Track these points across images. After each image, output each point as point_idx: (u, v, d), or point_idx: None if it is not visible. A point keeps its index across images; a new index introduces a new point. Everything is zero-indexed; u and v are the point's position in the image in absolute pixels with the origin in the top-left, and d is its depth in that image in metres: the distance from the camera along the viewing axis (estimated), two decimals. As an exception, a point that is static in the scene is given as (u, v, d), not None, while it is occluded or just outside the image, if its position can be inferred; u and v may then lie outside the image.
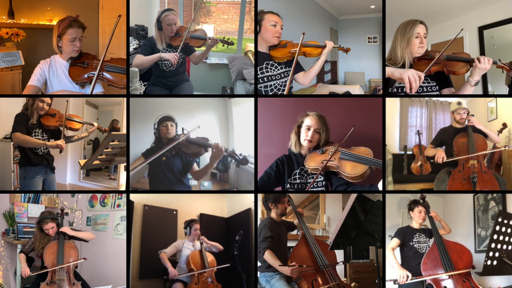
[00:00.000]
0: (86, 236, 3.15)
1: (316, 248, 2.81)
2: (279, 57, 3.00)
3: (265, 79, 2.97)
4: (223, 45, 3.35)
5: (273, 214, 3.01)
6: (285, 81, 3.00)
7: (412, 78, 2.69)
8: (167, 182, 3.05)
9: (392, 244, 3.01)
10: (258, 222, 3.03)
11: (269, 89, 2.98)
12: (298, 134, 2.82)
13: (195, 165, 3.17)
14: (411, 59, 2.88)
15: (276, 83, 2.99)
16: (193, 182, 3.76)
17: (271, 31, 2.92)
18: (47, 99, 3.15)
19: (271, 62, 3.00)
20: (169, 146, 2.95)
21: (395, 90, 2.93)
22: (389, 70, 2.84)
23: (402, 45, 2.82)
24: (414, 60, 2.89)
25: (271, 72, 2.99)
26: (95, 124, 3.42)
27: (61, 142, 3.08)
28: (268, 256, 2.73)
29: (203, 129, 3.08)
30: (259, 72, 2.97)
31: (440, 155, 3.12)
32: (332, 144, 2.78)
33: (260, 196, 3.09)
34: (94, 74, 2.92)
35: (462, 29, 3.20)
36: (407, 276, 2.72)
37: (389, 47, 2.97)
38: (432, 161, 3.31)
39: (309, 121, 2.77)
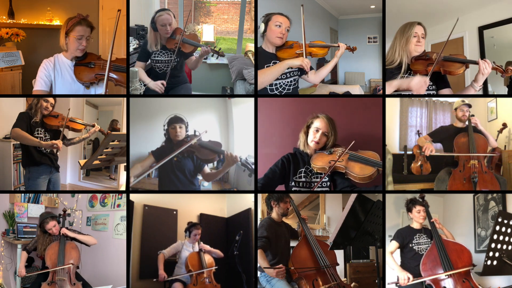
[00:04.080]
0: (88, 240, 3.16)
1: (317, 249, 2.82)
2: (286, 58, 2.96)
3: None
4: (212, 55, 3.25)
5: (274, 214, 3.01)
6: (290, 81, 3.00)
7: (420, 84, 2.82)
8: (178, 184, 3.00)
9: (390, 248, 3.01)
10: (258, 222, 3.03)
11: (274, 87, 2.96)
12: (306, 134, 2.83)
13: (206, 167, 3.13)
14: (408, 59, 2.94)
15: (282, 82, 2.98)
16: (204, 183, 3.75)
17: (275, 31, 2.90)
18: (51, 100, 3.15)
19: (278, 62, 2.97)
20: (180, 148, 2.89)
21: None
22: (395, 83, 2.91)
23: (401, 44, 2.90)
24: (412, 60, 2.95)
25: None
26: (96, 125, 3.39)
27: (57, 142, 3.06)
28: (258, 256, 2.77)
29: (205, 128, 3.07)
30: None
31: (429, 147, 3.08)
32: (340, 146, 2.79)
33: (260, 195, 3.09)
34: (103, 74, 2.90)
35: (461, 33, 3.23)
36: (408, 278, 2.74)
37: (388, 49, 3.02)
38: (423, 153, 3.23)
39: (318, 123, 2.78)
